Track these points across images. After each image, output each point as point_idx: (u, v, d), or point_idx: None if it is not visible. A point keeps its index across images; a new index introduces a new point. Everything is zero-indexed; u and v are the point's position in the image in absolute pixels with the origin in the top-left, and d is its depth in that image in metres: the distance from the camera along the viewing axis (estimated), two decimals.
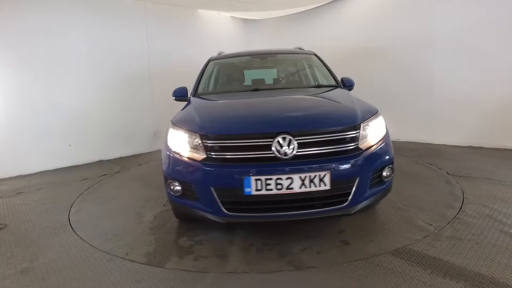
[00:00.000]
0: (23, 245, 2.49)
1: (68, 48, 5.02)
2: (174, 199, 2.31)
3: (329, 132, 2.10)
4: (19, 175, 4.66)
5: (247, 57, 3.98)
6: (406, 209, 2.77)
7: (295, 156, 2.03)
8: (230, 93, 3.38)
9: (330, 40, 6.55)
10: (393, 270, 1.92)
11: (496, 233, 2.27)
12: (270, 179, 1.96)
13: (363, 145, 2.15)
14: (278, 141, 2.02)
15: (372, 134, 2.24)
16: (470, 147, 4.97)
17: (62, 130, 4.99)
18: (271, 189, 1.97)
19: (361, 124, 2.18)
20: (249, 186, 1.98)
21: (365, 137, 2.18)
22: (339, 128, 2.13)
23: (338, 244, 2.26)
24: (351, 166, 2.06)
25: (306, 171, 1.98)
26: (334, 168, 2.01)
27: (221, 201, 2.07)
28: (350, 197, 2.07)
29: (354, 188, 2.06)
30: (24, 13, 4.60)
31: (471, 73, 4.93)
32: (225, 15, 7.44)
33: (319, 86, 3.35)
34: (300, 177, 1.97)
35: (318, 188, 1.99)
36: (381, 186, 2.27)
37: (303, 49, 4.08)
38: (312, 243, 2.27)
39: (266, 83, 3.77)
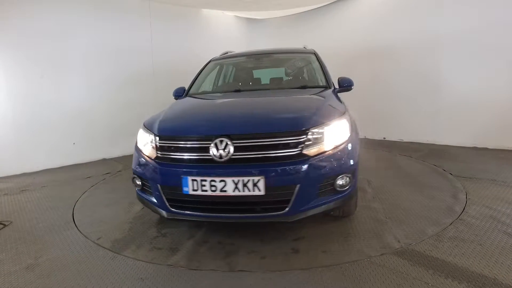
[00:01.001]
0: (28, 242, 2.52)
1: (73, 47, 5.06)
2: (137, 192, 2.53)
3: (269, 136, 2.03)
4: (24, 173, 4.71)
5: (245, 57, 3.96)
6: (385, 221, 2.56)
7: (231, 160, 2.01)
8: (215, 93, 3.52)
9: (335, 40, 6.54)
10: (395, 270, 1.91)
11: (500, 234, 2.26)
12: (205, 180, 2.00)
13: (310, 151, 2.02)
14: (216, 144, 2.03)
15: (327, 140, 2.08)
16: (475, 148, 4.94)
17: (66, 129, 5.04)
18: (206, 190, 2.01)
19: (310, 129, 2.05)
20: (187, 186, 2.04)
21: (315, 143, 2.05)
22: (279, 133, 2.04)
23: (287, 251, 2.17)
24: (290, 173, 1.96)
25: (239, 175, 1.95)
26: (270, 174, 1.94)
27: (166, 198, 2.17)
28: (289, 205, 1.99)
29: (294, 196, 1.98)
30: (31, 13, 4.64)
31: (476, 74, 4.90)
32: (229, 14, 7.44)
33: (304, 87, 3.12)
34: (233, 181, 1.95)
35: (251, 193, 1.95)
36: (336, 196, 2.12)
37: (305, 48, 4.02)
38: (263, 247, 2.24)
39: (262, 83, 3.80)
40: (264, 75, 3.94)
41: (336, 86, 3.19)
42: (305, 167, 1.97)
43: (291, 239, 2.35)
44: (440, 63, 5.26)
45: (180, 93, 3.39)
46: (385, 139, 6.03)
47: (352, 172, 2.15)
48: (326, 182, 2.05)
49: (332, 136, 2.11)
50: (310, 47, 4.26)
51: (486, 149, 4.85)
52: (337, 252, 2.16)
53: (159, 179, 2.16)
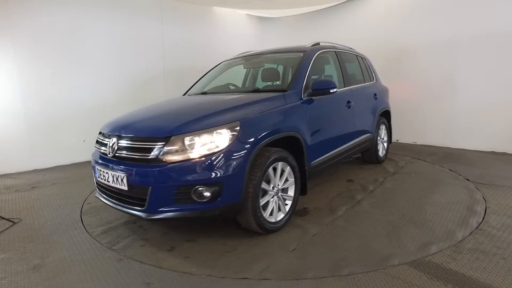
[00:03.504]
0: (35, 241, 2.51)
1: (84, 45, 5.07)
2: None
3: (137, 140, 2.27)
4: (35, 169, 4.75)
5: (242, 58, 3.87)
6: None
7: (115, 156, 2.35)
8: (191, 95, 3.55)
9: (348, 40, 6.38)
10: (411, 283, 1.82)
11: None
12: (101, 171, 2.41)
13: (167, 158, 2.09)
14: (109, 141, 2.42)
15: (189, 149, 2.10)
16: (493, 153, 4.76)
17: (77, 126, 5.06)
18: (102, 179, 2.42)
19: (171, 138, 2.11)
20: (95, 173, 2.52)
21: (175, 151, 2.09)
22: (143, 137, 2.25)
23: (219, 251, 2.27)
24: (143, 175, 2.12)
25: (115, 170, 2.27)
26: (129, 173, 2.18)
27: (95, 182, 2.62)
28: (146, 204, 2.13)
29: (148, 197, 2.10)
30: (43, 12, 4.67)
31: (494, 76, 4.71)
32: (241, 12, 7.37)
33: (257, 91, 3.08)
34: (111, 174, 2.30)
35: (120, 187, 2.25)
36: (195, 205, 2.09)
37: (306, 45, 3.53)
38: (198, 246, 2.36)
39: (247, 85, 3.84)
40: (251, 77, 3.94)
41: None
42: (156, 172, 2.08)
43: (221, 243, 2.38)
44: (457, 64, 5.08)
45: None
46: (398, 141, 5.88)
47: (215, 184, 2.07)
48: (183, 190, 2.08)
49: (196, 146, 2.11)
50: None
51: (505, 154, 4.66)
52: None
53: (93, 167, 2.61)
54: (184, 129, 2.14)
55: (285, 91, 2.81)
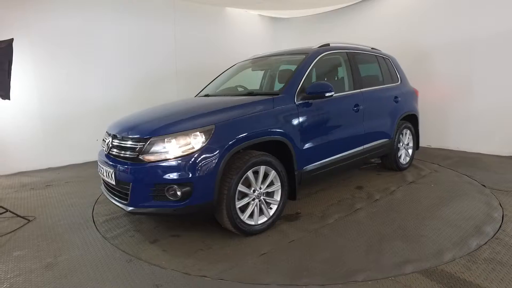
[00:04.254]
0: (49, 239, 2.57)
1: (98, 45, 5.15)
2: None
3: (124, 139, 2.48)
4: (49, 168, 4.86)
5: (253, 61, 3.88)
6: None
7: (109, 153, 2.56)
8: (193, 98, 3.56)
9: (361, 41, 6.30)
10: None
11: None
12: (100, 166, 2.66)
13: (145, 157, 2.27)
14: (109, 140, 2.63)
15: (169, 150, 2.25)
16: (511, 157, 4.61)
17: (90, 125, 5.14)
18: (101, 173, 2.66)
19: (150, 139, 2.28)
20: (98, 169, 2.73)
21: (153, 151, 2.26)
22: (129, 137, 2.44)
23: (195, 248, 2.38)
24: (125, 172, 2.34)
25: (107, 165, 2.49)
26: (116, 169, 2.39)
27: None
28: (129, 198, 2.33)
29: (130, 192, 2.31)
30: (58, 12, 4.76)
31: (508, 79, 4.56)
32: (253, 13, 7.36)
33: (251, 94, 3.09)
34: (105, 169, 2.52)
35: (111, 181, 2.47)
36: (170, 203, 2.24)
37: (313, 47, 3.43)
38: (178, 241, 2.50)
39: (264, 87, 3.77)
40: (255, 79, 3.91)
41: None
42: (136, 170, 2.28)
43: (200, 241, 2.46)
44: (474, 65, 4.93)
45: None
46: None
47: (186, 184, 2.20)
48: (158, 188, 2.24)
49: (171, 147, 2.25)
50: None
51: None
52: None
53: None
54: (162, 131, 2.30)
55: (278, 94, 2.81)
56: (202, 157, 2.22)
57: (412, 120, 4.27)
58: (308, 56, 3.15)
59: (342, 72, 3.63)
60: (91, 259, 2.25)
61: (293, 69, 3.09)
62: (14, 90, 3.31)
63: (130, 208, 2.32)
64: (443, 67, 5.28)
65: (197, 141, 2.25)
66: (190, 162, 2.20)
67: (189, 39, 6.16)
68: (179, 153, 2.23)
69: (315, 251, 2.27)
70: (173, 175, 2.20)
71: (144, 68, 5.66)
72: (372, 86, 3.73)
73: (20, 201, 3.49)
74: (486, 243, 2.29)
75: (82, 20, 4.97)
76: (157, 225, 2.76)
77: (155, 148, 2.26)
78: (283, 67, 3.54)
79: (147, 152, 2.27)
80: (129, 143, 2.41)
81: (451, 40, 5.14)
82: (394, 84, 4.08)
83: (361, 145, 3.48)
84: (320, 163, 3.01)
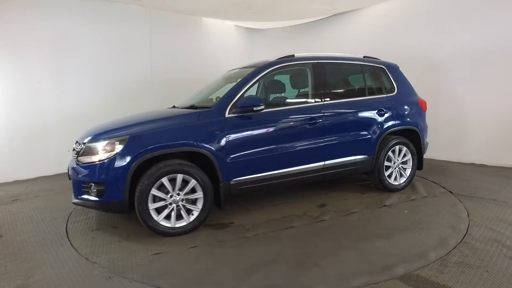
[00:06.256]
0: (18, 259, 2.42)
1: (72, 53, 4.99)
2: None
3: (77, 143, 2.94)
4: (16, 180, 4.59)
5: (225, 74, 3.99)
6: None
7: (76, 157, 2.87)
8: (167, 108, 3.69)
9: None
10: None
11: (506, 260, 2.22)
12: None
13: (81, 159, 2.75)
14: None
15: (93, 155, 2.70)
16: (473, 165, 4.95)
17: (62, 135, 4.93)
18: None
19: (83, 144, 2.78)
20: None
21: (85, 155, 2.74)
22: (78, 142, 2.92)
23: (114, 240, 2.76)
24: (71, 170, 2.85)
25: (70, 164, 2.94)
26: (68, 168, 2.94)
27: None
28: (73, 191, 2.84)
29: (72, 186, 2.83)
30: (30, 18, 4.57)
31: (474, 91, 4.93)
32: (229, 23, 7.44)
33: (193, 107, 3.25)
34: (69, 167, 2.93)
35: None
36: (92, 198, 2.68)
37: (271, 60, 3.42)
38: (110, 233, 2.89)
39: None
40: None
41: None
42: (74, 169, 2.78)
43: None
44: (439, 78, 5.29)
45: None
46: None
47: (100, 184, 2.61)
48: (85, 185, 2.70)
49: (94, 153, 2.70)
50: None
51: (484, 166, 4.85)
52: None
53: None
54: (92, 140, 2.75)
55: (206, 108, 3.02)
56: (115, 162, 2.61)
57: (410, 136, 3.81)
58: (255, 70, 3.21)
59: (303, 84, 3.57)
60: (67, 278, 2.15)
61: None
62: None
63: (74, 200, 2.81)
64: (413, 78, 5.60)
65: (114, 148, 2.64)
66: (106, 165, 2.61)
67: (165, 48, 6.11)
68: (100, 158, 2.66)
69: (198, 261, 2.35)
70: (92, 175, 2.65)
71: (119, 76, 5.53)
72: (345, 98, 3.58)
73: None
74: (455, 246, 2.44)
75: (55, 27, 4.80)
76: (119, 220, 3.00)
77: (86, 152, 2.74)
78: (235, 81, 3.49)
79: (81, 155, 2.76)
80: (77, 147, 2.87)
81: (420, 53, 5.48)
82: (382, 96, 3.72)
83: (320, 161, 3.31)
84: (256, 177, 3.02)
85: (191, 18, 6.57)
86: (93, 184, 2.64)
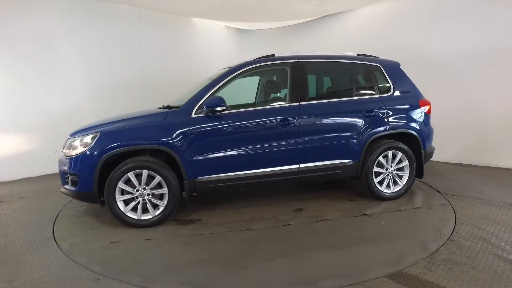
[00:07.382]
0: (2, 262, 2.35)
1: (58, 52, 4.90)
2: None
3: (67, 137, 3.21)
4: (0, 182, 4.46)
5: (212, 75, 3.96)
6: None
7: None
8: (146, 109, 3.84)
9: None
10: None
11: (491, 257, 2.27)
12: None
13: (65, 151, 3.03)
14: None
15: (71, 149, 2.97)
16: (460, 165, 5.05)
17: (48, 136, 4.83)
18: None
19: (68, 138, 3.06)
20: None
21: (67, 148, 3.01)
22: (68, 137, 3.15)
23: (88, 227, 3.05)
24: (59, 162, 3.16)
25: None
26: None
27: None
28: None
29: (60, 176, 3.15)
30: (15, 16, 4.47)
31: (462, 95, 5.05)
32: (219, 24, 7.43)
33: (168, 107, 3.31)
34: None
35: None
36: (71, 188, 2.96)
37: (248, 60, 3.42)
38: (95, 219, 3.20)
39: None
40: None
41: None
42: (59, 160, 3.10)
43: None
44: (426, 79, 5.38)
45: None
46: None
47: (74, 175, 2.88)
48: (65, 175, 2.99)
49: (72, 147, 2.96)
50: None
51: (470, 165, 4.96)
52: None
53: None
54: (72, 135, 3.04)
55: (175, 108, 3.14)
56: (86, 156, 2.85)
57: (408, 140, 3.50)
58: (228, 70, 3.26)
59: (281, 84, 3.50)
60: (53, 280, 2.10)
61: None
62: None
63: (61, 189, 3.09)
64: None
65: (87, 144, 2.87)
66: (79, 159, 2.87)
67: (154, 48, 6.05)
68: (76, 152, 2.90)
69: (143, 252, 2.47)
70: (69, 167, 2.91)
71: (107, 77, 5.45)
72: (326, 99, 3.50)
73: None
74: (443, 244, 2.48)
75: (42, 26, 4.70)
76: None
77: (68, 146, 3.00)
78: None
79: (65, 148, 3.02)
80: (64, 141, 3.14)
81: (410, 54, 5.56)
82: (373, 96, 3.48)
83: (294, 164, 3.20)
84: (222, 176, 3.05)
85: (181, 19, 6.53)
86: (69, 175, 2.93)
